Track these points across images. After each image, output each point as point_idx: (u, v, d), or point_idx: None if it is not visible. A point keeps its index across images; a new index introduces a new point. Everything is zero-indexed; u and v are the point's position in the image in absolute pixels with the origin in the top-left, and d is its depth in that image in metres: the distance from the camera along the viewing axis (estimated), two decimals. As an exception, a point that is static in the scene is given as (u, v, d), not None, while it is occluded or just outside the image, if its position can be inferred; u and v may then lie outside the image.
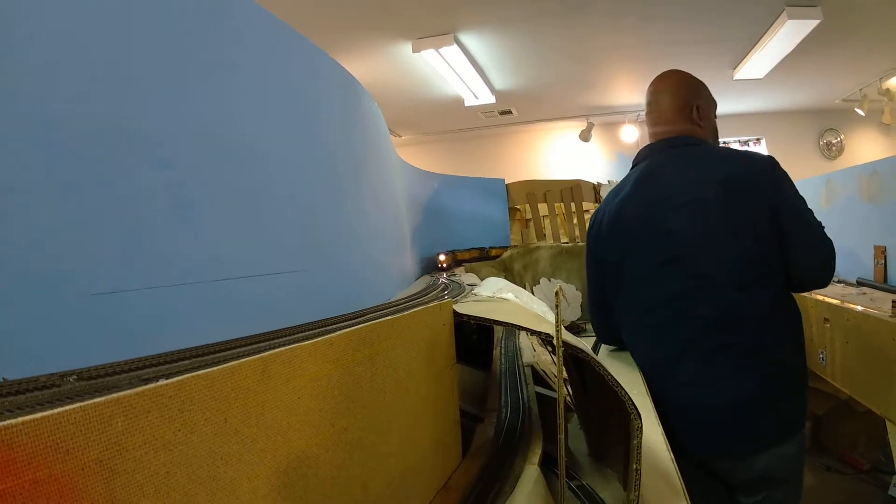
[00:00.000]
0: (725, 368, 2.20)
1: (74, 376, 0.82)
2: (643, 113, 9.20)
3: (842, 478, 4.69)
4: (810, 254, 2.27)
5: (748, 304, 2.19)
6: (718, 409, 2.19)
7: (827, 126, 10.01)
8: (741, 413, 2.17)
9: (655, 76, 2.76)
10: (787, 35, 5.66)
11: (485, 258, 4.82)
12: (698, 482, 2.29)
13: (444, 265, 4.41)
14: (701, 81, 2.64)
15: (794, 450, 2.25)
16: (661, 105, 2.58)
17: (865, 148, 9.86)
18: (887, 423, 2.88)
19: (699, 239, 2.23)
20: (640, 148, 2.63)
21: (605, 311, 2.70)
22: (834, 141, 10.14)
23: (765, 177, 2.22)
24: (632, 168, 2.59)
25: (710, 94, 2.63)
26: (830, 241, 2.29)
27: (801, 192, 2.28)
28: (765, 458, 2.20)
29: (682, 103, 2.52)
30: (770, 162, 2.27)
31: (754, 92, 7.86)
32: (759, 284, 2.19)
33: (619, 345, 2.80)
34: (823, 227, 2.29)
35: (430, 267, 4.37)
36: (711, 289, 2.22)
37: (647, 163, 2.49)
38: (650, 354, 2.46)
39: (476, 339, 3.01)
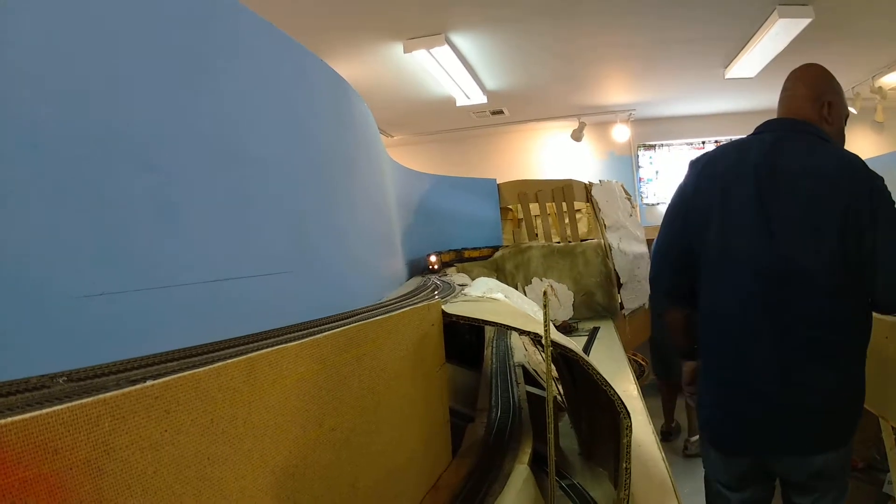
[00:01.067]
0: (810, 367, 2.17)
1: (64, 378, 0.83)
2: (635, 112, 9.23)
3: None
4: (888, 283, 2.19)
5: (836, 308, 2.16)
6: (794, 406, 2.17)
7: (818, 124, 9.99)
8: (818, 413, 2.17)
9: (798, 66, 2.61)
10: (778, 34, 5.64)
11: (472, 259, 4.81)
12: (752, 479, 2.31)
13: (436, 267, 4.24)
14: (837, 82, 2.53)
15: (847, 451, 2.26)
16: (794, 92, 2.48)
17: (857, 146, 9.84)
18: (881, 421, 2.90)
19: (798, 231, 2.17)
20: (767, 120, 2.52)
21: (676, 258, 2.53)
22: (825, 139, 10.12)
23: (869, 200, 2.13)
24: (758, 132, 2.48)
25: (844, 98, 2.55)
26: None
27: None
28: (824, 458, 2.19)
29: (815, 95, 2.44)
30: (880, 185, 2.18)
31: (746, 91, 7.84)
32: (847, 292, 2.16)
33: (680, 301, 2.60)
34: None
35: (422, 268, 4.26)
36: (804, 286, 2.16)
37: (774, 136, 2.36)
38: (725, 336, 2.34)
39: (468, 338, 3.01)
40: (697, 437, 5.81)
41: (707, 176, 2.42)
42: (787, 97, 2.49)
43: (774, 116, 2.43)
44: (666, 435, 6.27)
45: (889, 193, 2.15)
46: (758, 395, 2.20)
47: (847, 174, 2.16)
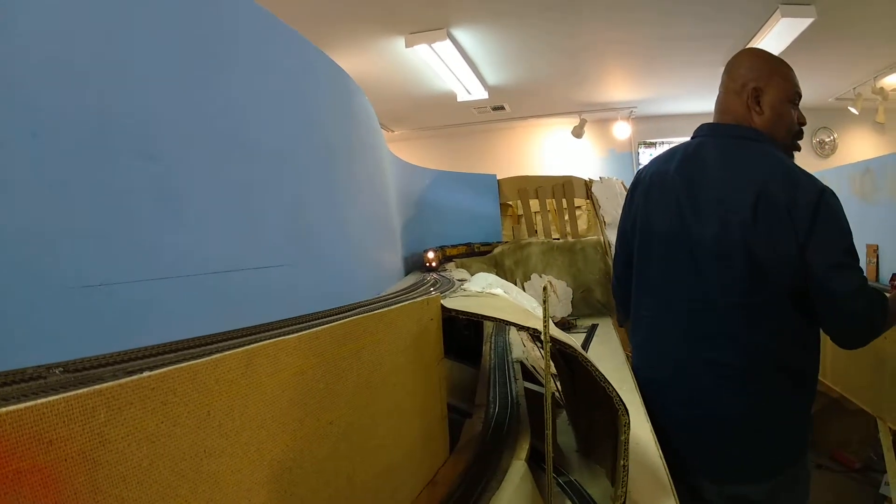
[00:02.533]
0: (714, 391, 2.12)
1: (60, 368, 0.82)
2: (636, 109, 9.24)
3: (833, 476, 4.70)
4: (827, 315, 2.05)
5: (742, 332, 2.07)
6: (703, 430, 2.16)
7: (820, 124, 10.01)
8: (724, 440, 2.13)
9: None
10: (780, 33, 5.65)
11: (472, 254, 4.79)
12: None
13: (433, 264, 4.12)
14: (779, 61, 2.29)
15: (782, 484, 2.18)
16: (721, 87, 2.32)
17: (858, 146, 9.87)
18: (878, 421, 2.90)
19: (711, 246, 2.08)
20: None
21: (621, 272, 2.59)
22: (827, 139, 10.14)
23: (803, 209, 1.95)
24: (691, 138, 2.37)
25: (786, 78, 2.26)
26: (858, 306, 1.98)
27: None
28: (744, 488, 2.14)
29: (738, 86, 2.24)
30: (818, 194, 1.97)
31: (747, 89, 7.83)
32: (759, 313, 2.04)
33: (626, 312, 2.60)
34: (857, 287, 1.97)
35: (422, 262, 4.21)
36: (711, 303, 2.09)
37: (699, 143, 2.26)
38: (644, 349, 2.41)
39: (466, 334, 3.01)
40: None
41: (637, 188, 2.43)
42: (718, 95, 2.35)
43: None
44: None
45: (826, 204, 1.96)
46: (670, 406, 2.21)
47: (765, 187, 2.00)
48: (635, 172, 2.57)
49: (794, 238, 1.96)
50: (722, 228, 2.05)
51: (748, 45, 6.15)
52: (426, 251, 4.13)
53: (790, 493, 2.15)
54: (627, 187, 6.01)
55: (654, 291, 2.29)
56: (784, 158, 2.12)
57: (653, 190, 2.30)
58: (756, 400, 2.09)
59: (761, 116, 2.21)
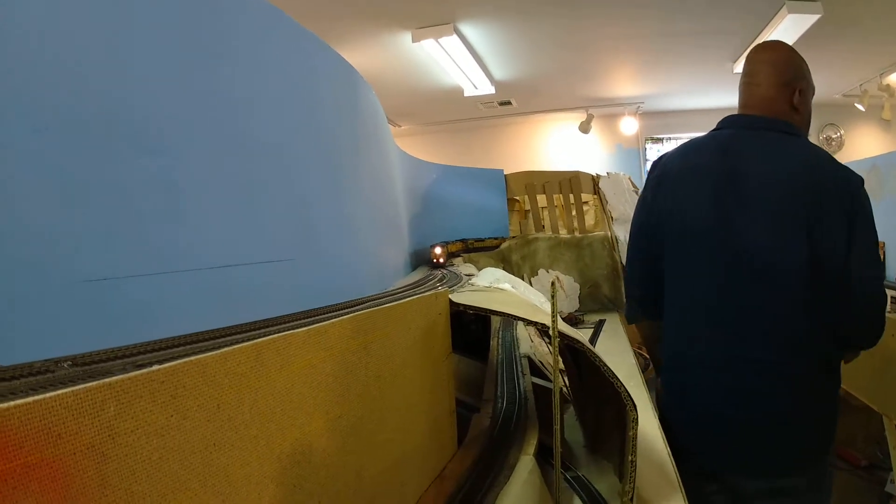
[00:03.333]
0: (760, 387, 2.06)
1: (69, 362, 0.82)
2: (643, 105, 9.21)
3: (838, 474, 4.68)
4: (859, 308, 2.06)
5: (793, 327, 2.03)
6: (745, 424, 2.09)
7: (827, 121, 9.98)
8: (768, 433, 2.11)
9: (756, 45, 2.38)
10: (787, 29, 5.63)
11: (468, 250, 4.78)
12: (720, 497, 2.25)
13: (441, 259, 4.01)
14: (805, 63, 2.27)
15: (818, 476, 2.16)
16: (759, 77, 2.23)
17: (865, 143, 9.84)
18: (885, 419, 2.89)
19: (763, 241, 2.02)
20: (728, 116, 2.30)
21: (641, 267, 2.45)
22: (833, 136, 10.12)
23: (852, 203, 1.98)
24: (717, 129, 2.29)
25: (811, 78, 2.28)
26: (880, 296, 2.08)
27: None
28: (784, 480, 2.14)
29: (785, 81, 2.20)
30: (861, 187, 2.03)
31: (754, 85, 7.82)
32: (810, 311, 2.00)
33: (650, 311, 2.52)
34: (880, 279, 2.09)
35: (427, 258, 4.12)
36: (759, 301, 2.04)
37: (732, 135, 2.19)
38: (679, 346, 2.25)
39: (474, 329, 3.01)
40: None
41: (664, 180, 2.28)
42: (750, 84, 2.26)
43: None
44: None
45: (867, 197, 2.03)
46: (710, 404, 2.13)
47: (815, 176, 2.01)
48: (649, 166, 2.44)
49: (844, 233, 1.96)
50: (773, 224, 2.01)
51: (755, 41, 6.13)
52: (433, 246, 4.02)
53: (822, 482, 2.17)
54: (635, 183, 6.02)
55: (693, 288, 2.18)
56: (829, 155, 2.11)
57: (685, 183, 2.20)
58: (801, 394, 2.08)
59: (799, 116, 2.20)
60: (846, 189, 1.99)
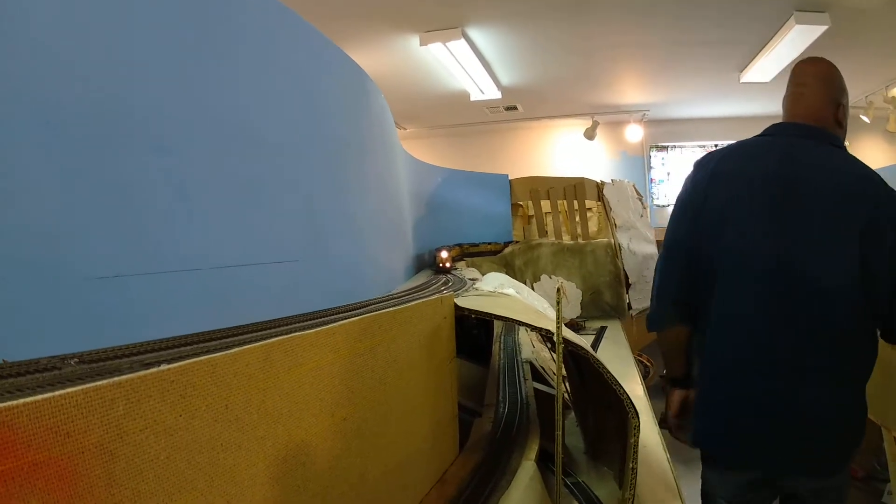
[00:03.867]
0: (824, 386, 2.08)
1: (76, 359, 0.82)
2: (648, 113, 9.21)
3: (836, 484, 4.67)
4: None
5: (852, 328, 2.07)
6: (805, 425, 2.08)
7: (832, 131, 9.95)
8: (829, 433, 2.13)
9: (803, 60, 2.41)
10: (794, 40, 5.64)
11: (473, 254, 4.77)
12: (756, 492, 2.26)
13: (447, 264, 3.83)
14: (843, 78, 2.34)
15: (849, 468, 2.23)
16: (810, 90, 2.27)
17: (870, 155, 9.81)
18: (883, 430, 2.88)
19: (819, 249, 2.05)
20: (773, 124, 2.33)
21: (684, 266, 2.32)
22: (838, 146, 10.09)
23: (892, 217, 2.02)
24: (761, 136, 2.32)
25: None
26: None
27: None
28: (833, 478, 2.19)
29: (832, 97, 2.25)
30: None
31: (760, 95, 7.81)
32: (864, 313, 2.06)
33: (685, 313, 2.57)
34: None
35: (433, 260, 4.08)
36: (822, 306, 2.05)
37: (788, 143, 2.19)
38: (737, 348, 2.16)
39: (476, 333, 3.01)
40: None
41: (717, 181, 2.23)
42: (800, 95, 2.28)
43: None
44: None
45: None
46: (768, 411, 2.10)
47: (868, 189, 2.06)
48: (693, 166, 2.36)
49: (893, 242, 2.01)
50: (830, 233, 2.05)
51: (763, 52, 6.15)
52: (438, 250, 3.87)
53: (848, 480, 2.23)
54: (639, 190, 6.02)
55: (748, 295, 2.14)
56: (867, 166, 2.16)
57: (742, 188, 2.17)
58: (855, 396, 2.14)
59: (842, 130, 2.25)
60: (893, 201, 2.04)
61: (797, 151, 2.14)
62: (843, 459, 2.16)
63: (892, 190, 2.05)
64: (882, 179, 2.09)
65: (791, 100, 2.29)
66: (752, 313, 2.12)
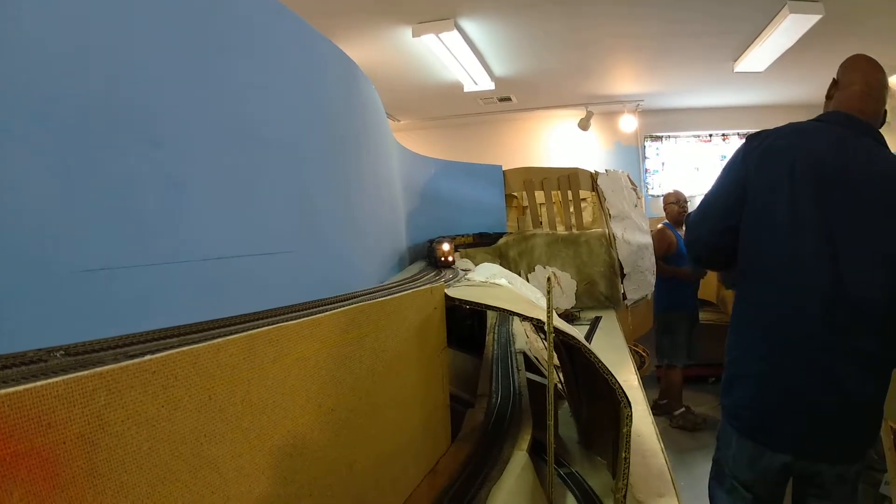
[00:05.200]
0: (863, 379, 2.15)
1: (61, 352, 0.82)
2: (642, 103, 9.20)
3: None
4: None
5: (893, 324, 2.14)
6: (842, 414, 2.16)
7: (826, 121, 9.96)
8: (862, 423, 2.21)
9: (861, 56, 2.58)
10: (788, 29, 5.63)
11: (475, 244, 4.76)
12: (775, 477, 2.28)
13: (450, 258, 3.29)
14: None
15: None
16: (876, 93, 2.39)
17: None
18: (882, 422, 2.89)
19: (865, 234, 2.13)
20: (830, 110, 2.42)
21: (719, 226, 2.45)
22: (833, 136, 10.09)
23: None
24: (817, 121, 2.39)
25: None
26: None
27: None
28: (854, 467, 2.24)
29: (883, 97, 2.39)
30: None
31: (754, 85, 7.83)
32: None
33: (717, 267, 2.78)
34: None
35: (427, 252, 4.03)
36: (866, 303, 2.11)
37: (844, 133, 2.25)
38: (777, 337, 2.25)
39: (470, 324, 3.00)
40: (682, 409, 6.53)
41: (771, 161, 2.28)
42: (869, 96, 2.36)
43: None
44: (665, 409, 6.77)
45: None
46: (809, 393, 2.16)
47: None
48: (746, 139, 2.43)
49: None
50: (876, 218, 2.12)
51: (756, 41, 6.14)
52: (439, 242, 3.37)
53: (864, 465, 2.32)
54: (633, 180, 6.02)
55: (788, 278, 2.21)
56: None
57: (795, 163, 2.22)
58: (886, 384, 2.20)
59: (879, 128, 2.35)
60: None
61: (850, 141, 2.21)
62: (871, 444, 2.24)
63: None
64: None
65: (859, 97, 2.35)
66: (793, 308, 2.18)
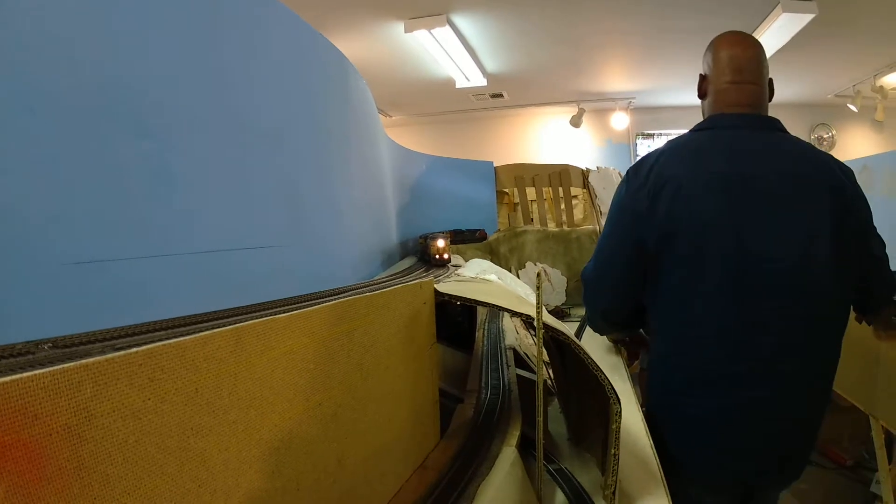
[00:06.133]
0: (806, 395, 2.02)
1: (49, 344, 0.82)
2: (634, 100, 9.21)
3: (824, 473, 4.70)
4: (879, 300, 2.17)
5: (828, 330, 2.02)
6: (790, 433, 2.06)
7: (818, 121, 9.98)
8: (809, 440, 2.13)
9: (726, 33, 2.23)
10: (781, 28, 5.64)
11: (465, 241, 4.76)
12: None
13: (445, 256, 3.22)
14: None
15: None
16: (748, 75, 2.10)
17: (857, 144, 9.85)
18: (871, 419, 2.89)
19: (788, 247, 1.92)
20: (712, 115, 2.16)
21: (621, 288, 2.19)
22: (825, 136, 10.12)
23: (857, 199, 1.99)
24: (700, 131, 2.13)
25: None
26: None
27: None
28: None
29: (765, 75, 2.11)
30: (854, 181, 2.01)
31: (746, 83, 7.84)
32: (837, 312, 2.03)
33: (619, 331, 2.58)
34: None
35: (418, 248, 3.97)
36: (797, 306, 1.93)
37: (735, 136, 2.03)
38: (714, 364, 2.02)
39: (460, 320, 3.00)
40: None
41: (666, 190, 1.99)
42: (742, 83, 2.10)
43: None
44: None
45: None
46: (751, 421, 2.00)
47: (824, 169, 1.97)
48: (633, 170, 2.14)
49: (863, 223, 2.00)
50: (798, 226, 1.93)
51: (749, 39, 6.14)
52: (433, 238, 3.26)
53: None
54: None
55: (714, 305, 1.97)
56: (810, 145, 2.10)
57: (697, 193, 1.96)
58: (827, 400, 2.09)
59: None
60: (852, 179, 2.00)
61: (744, 144, 2.01)
62: (804, 466, 2.14)
63: (843, 164, 2.02)
64: (830, 156, 2.03)
65: (730, 88, 2.13)
66: (721, 321, 1.99)
